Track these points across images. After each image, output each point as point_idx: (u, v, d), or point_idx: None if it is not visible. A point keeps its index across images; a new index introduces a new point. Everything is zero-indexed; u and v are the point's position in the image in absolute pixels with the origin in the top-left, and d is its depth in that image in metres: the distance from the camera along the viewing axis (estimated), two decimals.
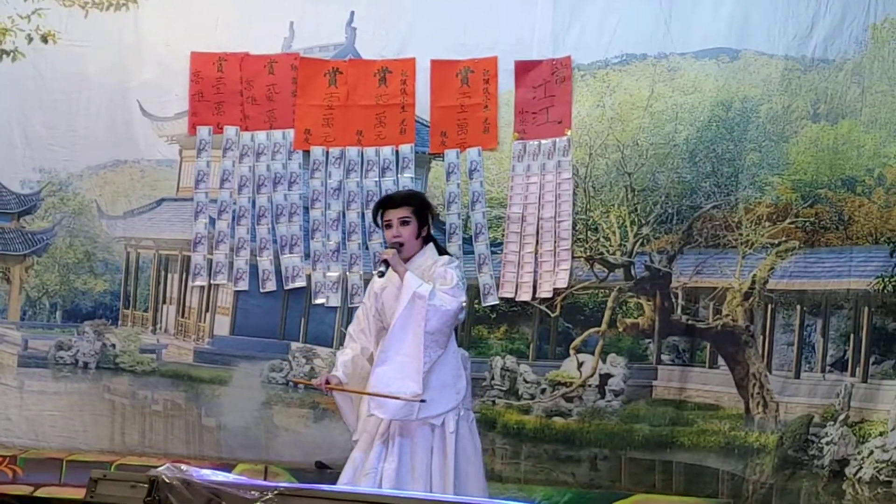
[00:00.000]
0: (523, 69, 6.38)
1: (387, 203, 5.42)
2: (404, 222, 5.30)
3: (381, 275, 5.22)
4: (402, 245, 5.28)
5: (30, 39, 6.87)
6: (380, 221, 5.41)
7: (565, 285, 6.23)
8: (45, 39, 6.86)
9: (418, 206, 5.39)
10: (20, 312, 6.96)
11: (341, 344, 6.37)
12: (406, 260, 5.28)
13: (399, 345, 5.13)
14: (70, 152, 6.88)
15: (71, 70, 6.85)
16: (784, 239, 6.02)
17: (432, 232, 5.43)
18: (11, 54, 6.86)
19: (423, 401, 5.02)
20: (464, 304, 5.19)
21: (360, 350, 5.36)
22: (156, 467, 5.04)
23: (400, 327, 5.13)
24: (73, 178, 6.90)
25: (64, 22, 6.84)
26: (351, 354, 5.36)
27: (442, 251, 5.45)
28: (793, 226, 6.01)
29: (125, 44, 6.81)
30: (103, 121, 6.82)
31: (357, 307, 6.33)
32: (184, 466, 5.49)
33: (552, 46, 6.36)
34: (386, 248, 5.33)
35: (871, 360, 5.81)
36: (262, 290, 6.58)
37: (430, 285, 5.14)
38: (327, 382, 5.26)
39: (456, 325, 5.30)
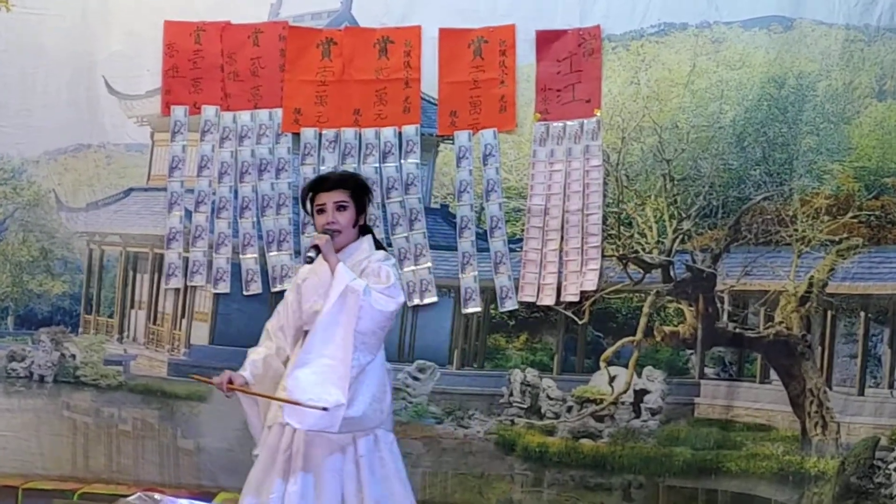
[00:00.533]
0: (545, 40, 6.22)
1: (319, 185, 5.35)
2: (340, 207, 5.25)
3: (310, 261, 5.14)
4: (337, 233, 5.22)
5: None
6: (310, 206, 5.34)
7: (594, 288, 6.12)
8: None
9: (356, 189, 5.33)
10: None
11: None
12: (338, 250, 5.20)
13: (324, 345, 5.03)
14: (24, 135, 6.71)
15: (25, 41, 6.68)
16: (845, 235, 5.91)
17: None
18: None
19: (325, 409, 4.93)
20: (400, 305, 5.13)
21: (274, 350, 5.29)
22: (125, 496, 5.01)
23: (327, 324, 5.03)
24: (27, 165, 6.75)
25: None
26: (264, 353, 5.29)
27: (379, 245, 5.39)
28: (855, 220, 5.91)
29: (89, 11, 6.64)
30: (63, 99, 6.65)
31: None
32: (157, 495, 5.57)
33: (579, 14, 6.21)
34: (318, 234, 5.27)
35: None
36: (245, 293, 6.42)
37: (364, 281, 5.06)
38: (230, 382, 5.18)
39: (387, 331, 5.23)
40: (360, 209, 5.35)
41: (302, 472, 5.09)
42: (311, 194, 5.35)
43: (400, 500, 5.18)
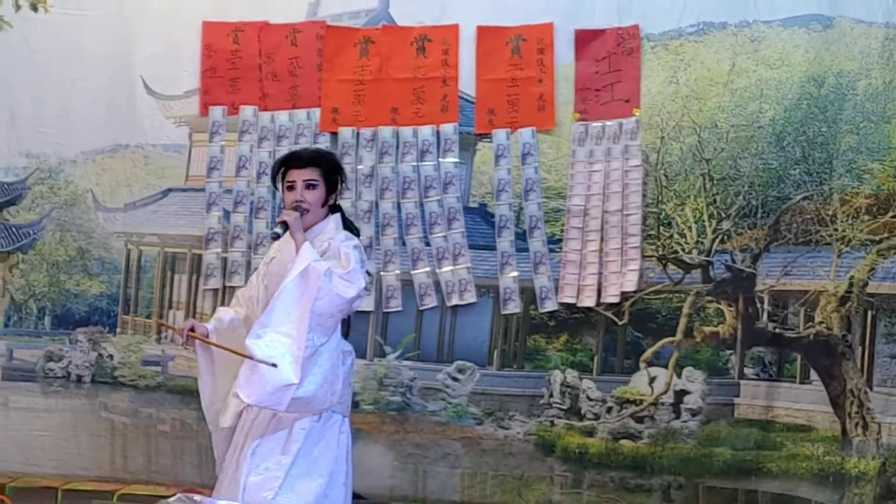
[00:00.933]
0: (584, 39, 6.54)
1: (291, 161, 5.49)
2: (310, 185, 5.40)
3: (276, 237, 5.33)
4: (305, 211, 5.37)
5: (17, 7, 7.05)
6: (280, 183, 5.49)
7: (634, 288, 6.41)
8: (34, 7, 7.05)
9: (328, 168, 5.47)
10: (3, 318, 7.15)
11: (376, 354, 6.69)
12: (306, 229, 5.36)
13: (280, 320, 5.15)
14: (62, 135, 7.05)
15: (65, 42, 7.00)
16: (886, 235, 6.17)
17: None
18: None
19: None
20: (363, 291, 5.25)
21: (243, 316, 5.46)
22: (165, 497, 5.27)
23: (285, 301, 5.16)
24: (65, 164, 7.08)
25: None
26: (231, 315, 5.48)
27: (348, 224, 5.55)
28: None
29: (127, 12, 6.99)
30: (102, 99, 6.98)
31: (394, 311, 6.66)
32: (197, 497, 5.70)
33: (617, 13, 6.53)
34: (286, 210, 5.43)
35: None
36: None
37: (327, 263, 5.19)
38: (191, 330, 5.36)
39: (347, 315, 5.38)
40: (331, 188, 5.47)
41: (234, 448, 5.32)
42: (282, 170, 5.50)
43: (321, 480, 5.28)
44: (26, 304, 7.15)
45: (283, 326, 5.14)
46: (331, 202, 5.50)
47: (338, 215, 5.53)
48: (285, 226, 5.29)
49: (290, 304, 5.15)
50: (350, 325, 5.60)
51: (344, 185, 5.59)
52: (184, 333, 5.37)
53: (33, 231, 7.12)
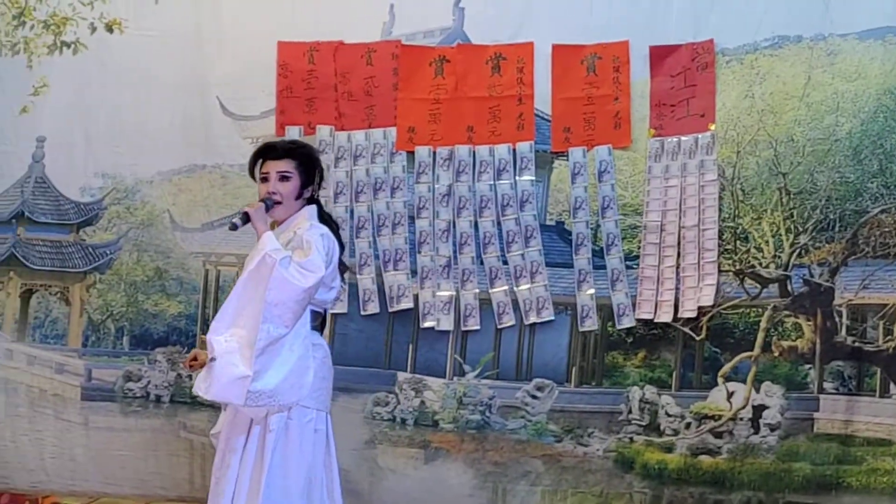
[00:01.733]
0: (659, 55, 7.29)
1: (266, 152, 5.97)
2: (284, 177, 5.89)
3: (234, 227, 5.79)
4: (277, 203, 5.85)
5: (93, 29, 7.88)
6: (257, 173, 5.96)
7: (711, 304, 7.11)
8: (110, 29, 7.86)
9: (304, 160, 5.95)
10: (82, 338, 7.94)
11: (455, 374, 7.49)
12: (281, 222, 5.88)
13: (236, 314, 5.58)
14: (138, 155, 7.82)
15: (140, 63, 7.79)
16: None
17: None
18: (73, 46, 7.91)
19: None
20: (318, 280, 5.61)
21: None
22: None
23: (241, 293, 5.61)
24: (141, 185, 7.86)
25: (132, 8, 7.84)
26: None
27: (325, 217, 6.01)
28: None
29: (203, 33, 7.75)
30: (177, 120, 7.72)
31: (472, 330, 7.47)
32: None
33: (692, 28, 7.25)
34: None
35: None
36: (363, 313, 7.52)
37: (286, 252, 5.61)
38: (193, 359, 5.93)
39: (322, 310, 5.93)
40: (307, 181, 5.94)
41: (221, 451, 5.77)
42: (259, 161, 5.97)
43: (299, 481, 5.74)
44: (104, 324, 7.90)
45: (240, 319, 5.56)
46: (306, 195, 5.96)
47: (312, 207, 5.99)
48: (246, 217, 5.75)
49: (244, 294, 5.59)
50: (325, 320, 6.08)
51: (322, 178, 6.05)
52: (186, 364, 6.03)
53: (110, 251, 7.90)
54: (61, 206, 8.04)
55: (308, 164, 5.99)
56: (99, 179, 7.96)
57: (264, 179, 5.94)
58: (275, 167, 5.91)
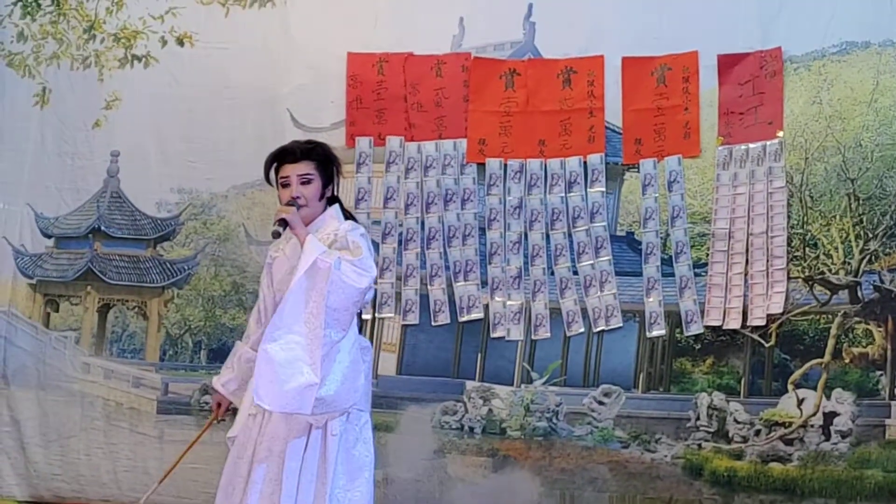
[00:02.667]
0: (727, 64, 8.03)
1: (283, 156, 6.30)
2: (306, 181, 6.25)
3: (277, 235, 6.07)
4: (302, 206, 6.17)
5: (164, 42, 8.80)
6: (273, 178, 6.30)
7: (781, 310, 7.78)
8: (180, 42, 8.79)
9: (323, 160, 6.30)
10: (159, 352, 8.77)
11: (523, 382, 8.23)
12: (305, 224, 6.16)
13: (293, 321, 5.92)
14: (212, 170, 8.65)
15: (211, 76, 8.64)
16: None
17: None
18: (144, 59, 8.88)
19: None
20: (374, 281, 6.13)
21: (250, 346, 6.41)
22: None
23: (296, 299, 5.92)
24: (216, 199, 8.70)
25: (202, 22, 8.71)
26: (239, 352, 6.44)
27: (348, 215, 6.36)
28: None
29: (272, 45, 8.56)
30: (249, 133, 8.50)
31: (542, 339, 8.29)
32: None
33: (760, 36, 7.97)
34: (284, 205, 6.23)
35: None
36: (433, 323, 8.32)
37: (335, 253, 5.96)
38: (219, 405, 6.48)
39: (361, 307, 6.28)
40: (327, 181, 6.28)
41: (266, 460, 6.09)
42: (275, 165, 6.31)
43: (362, 491, 6.22)
44: (182, 338, 8.70)
45: (297, 325, 5.92)
46: (327, 195, 6.31)
47: (336, 206, 6.35)
48: (284, 223, 6.07)
49: (300, 301, 5.93)
50: (362, 321, 6.51)
51: (340, 175, 6.43)
52: (218, 416, 6.56)
53: (188, 266, 8.74)
54: (137, 221, 8.91)
55: (327, 163, 6.37)
56: (175, 195, 8.83)
57: (285, 185, 6.30)
58: (295, 171, 6.29)
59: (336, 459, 6.14)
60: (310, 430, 6.14)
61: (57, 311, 9.13)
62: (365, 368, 6.35)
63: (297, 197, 6.22)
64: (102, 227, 8.96)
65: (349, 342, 6.21)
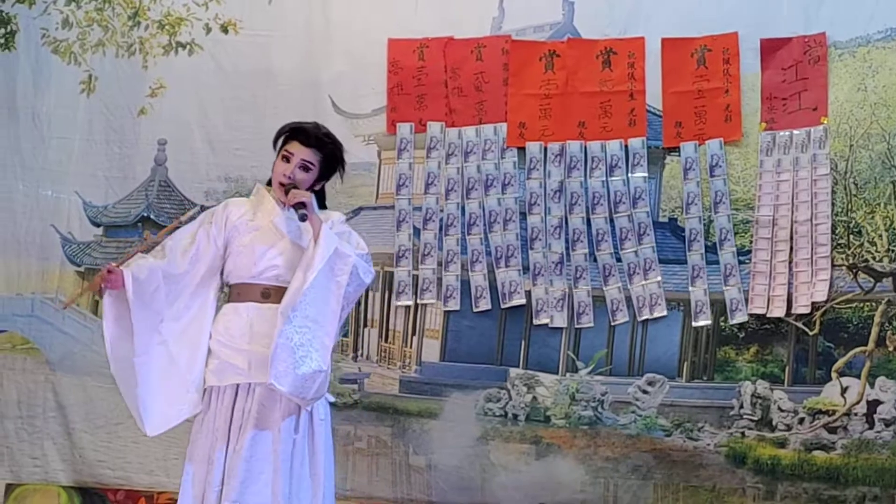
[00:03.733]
0: (770, 48, 8.04)
1: (297, 133, 6.36)
2: (305, 167, 6.31)
3: (304, 218, 6.09)
4: (293, 188, 6.21)
5: (208, 30, 8.81)
6: (278, 146, 6.37)
7: (825, 298, 7.80)
8: (224, 29, 8.78)
9: (329, 157, 6.37)
10: None
11: (568, 370, 8.29)
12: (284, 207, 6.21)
13: (313, 307, 6.02)
14: (257, 157, 8.29)
15: (254, 63, 8.71)
16: None
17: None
18: (188, 47, 8.92)
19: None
20: (373, 278, 6.30)
21: (164, 266, 6.24)
22: None
23: (318, 289, 6.00)
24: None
25: (246, 9, 8.71)
26: (153, 263, 6.21)
27: (323, 206, 6.43)
28: None
29: (314, 32, 8.60)
30: (291, 119, 7.76)
31: (585, 328, 8.35)
32: None
33: (803, 21, 7.97)
34: (283, 182, 6.34)
35: None
36: (475, 310, 8.34)
37: (349, 245, 6.14)
38: (109, 272, 6.07)
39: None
40: (322, 177, 6.37)
41: (253, 433, 6.09)
42: (284, 137, 6.37)
43: (332, 463, 6.33)
44: None
45: (312, 311, 6.02)
46: (316, 188, 6.38)
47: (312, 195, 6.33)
48: (304, 206, 6.14)
49: (321, 288, 6.02)
50: None
51: (341, 176, 6.56)
52: (104, 281, 6.12)
53: None
54: (186, 209, 8.66)
55: (331, 162, 6.44)
56: (223, 183, 8.88)
57: (286, 159, 6.35)
58: (300, 153, 6.34)
59: (324, 443, 6.27)
60: (299, 414, 6.20)
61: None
62: None
63: (290, 178, 6.30)
64: (151, 216, 9.05)
65: None
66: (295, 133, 6.40)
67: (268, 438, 6.14)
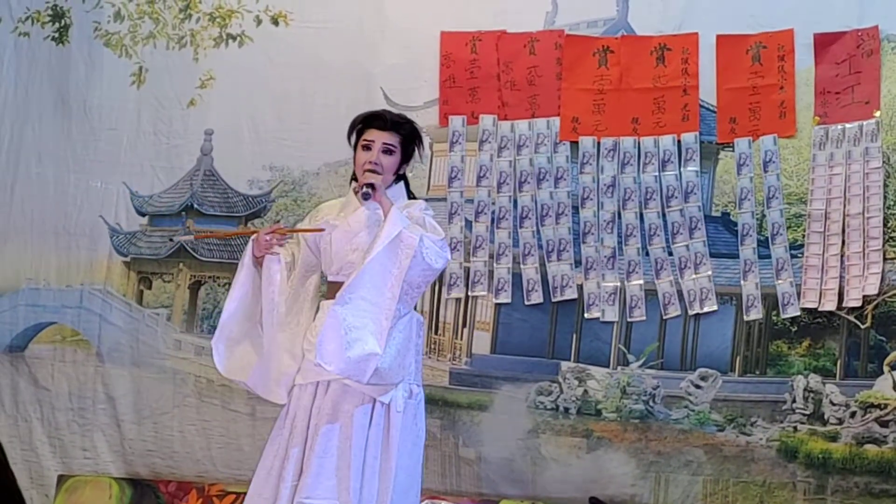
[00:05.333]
0: (824, 42, 8.22)
1: (372, 120, 6.45)
2: (388, 151, 6.41)
3: (367, 197, 6.21)
4: (378, 175, 6.31)
5: (258, 22, 9.06)
6: (355, 138, 6.46)
7: (876, 291, 7.91)
8: (275, 21, 9.04)
9: (409, 136, 6.48)
10: None
11: (619, 364, 8.51)
12: None
13: (369, 287, 6.06)
14: (305, 147, 8.87)
15: (305, 55, 8.90)
16: None
17: None
18: (238, 38, 9.19)
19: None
20: (447, 262, 6.38)
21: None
22: None
23: (376, 270, 6.06)
24: (307, 177, 8.93)
25: (297, 1, 8.93)
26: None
27: (412, 195, 6.56)
28: None
29: (366, 24, 8.81)
30: (343, 112, 8.05)
31: (637, 321, 8.56)
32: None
33: (857, 14, 8.10)
34: (363, 173, 6.42)
35: None
36: (526, 303, 8.51)
37: (419, 229, 6.16)
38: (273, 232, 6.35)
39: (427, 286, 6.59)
40: (405, 158, 6.46)
41: (326, 429, 6.16)
42: (360, 127, 6.45)
43: (409, 470, 6.35)
44: None
45: (371, 293, 6.05)
46: (400, 172, 6.50)
47: (402, 183, 6.57)
48: (372, 187, 6.24)
49: (379, 271, 6.08)
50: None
51: (421, 157, 6.73)
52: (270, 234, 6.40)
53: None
54: (230, 199, 9.24)
55: (411, 141, 6.54)
56: (267, 172, 9.13)
57: (366, 147, 6.44)
58: (380, 138, 6.44)
59: (400, 436, 6.28)
60: (374, 406, 6.27)
61: (150, 288, 9.47)
62: (419, 343, 6.51)
63: (376, 164, 6.37)
64: (195, 205, 9.32)
65: (407, 317, 6.37)
66: (369, 121, 6.52)
67: (340, 433, 6.22)
